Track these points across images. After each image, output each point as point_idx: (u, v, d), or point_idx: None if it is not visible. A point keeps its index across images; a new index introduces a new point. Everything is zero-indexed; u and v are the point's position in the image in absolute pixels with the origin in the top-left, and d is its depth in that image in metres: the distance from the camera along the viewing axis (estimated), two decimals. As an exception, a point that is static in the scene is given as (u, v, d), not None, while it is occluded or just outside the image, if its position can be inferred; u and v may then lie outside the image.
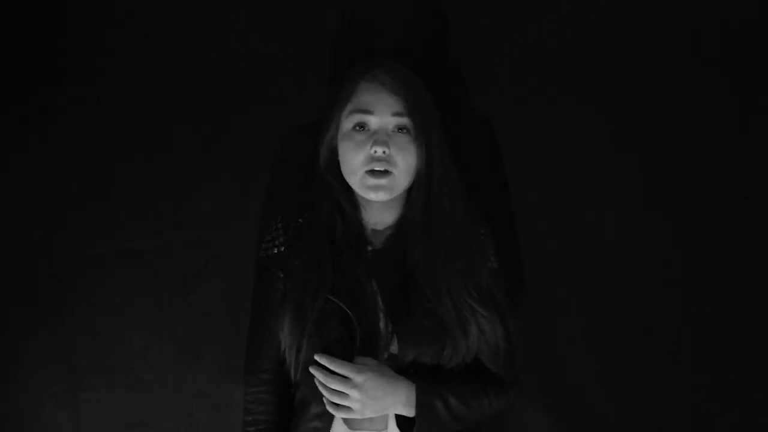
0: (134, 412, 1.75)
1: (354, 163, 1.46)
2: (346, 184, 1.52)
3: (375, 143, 1.44)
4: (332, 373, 1.40)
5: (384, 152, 1.44)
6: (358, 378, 1.39)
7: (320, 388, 1.41)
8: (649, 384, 1.76)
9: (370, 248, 1.53)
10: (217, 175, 1.76)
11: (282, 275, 1.52)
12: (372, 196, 1.47)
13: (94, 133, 1.76)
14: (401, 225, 1.54)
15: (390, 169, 1.45)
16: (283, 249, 1.52)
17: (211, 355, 1.75)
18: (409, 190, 1.53)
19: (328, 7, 1.76)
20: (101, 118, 1.76)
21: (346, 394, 1.39)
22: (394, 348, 1.45)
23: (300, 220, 1.55)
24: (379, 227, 1.55)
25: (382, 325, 1.46)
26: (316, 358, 1.41)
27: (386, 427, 1.46)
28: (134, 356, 1.75)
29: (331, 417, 1.46)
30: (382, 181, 1.45)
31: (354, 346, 1.43)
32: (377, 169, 1.45)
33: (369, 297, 1.46)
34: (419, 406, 1.42)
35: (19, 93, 1.76)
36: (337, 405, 1.41)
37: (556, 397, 1.77)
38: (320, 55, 1.76)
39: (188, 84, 1.76)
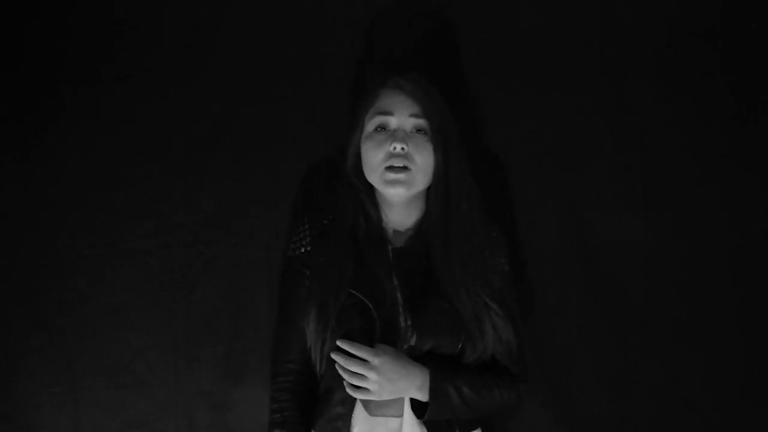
0: (134, 412, 1.75)
1: (375, 160, 1.53)
2: (370, 186, 1.59)
3: (394, 140, 1.52)
4: (353, 357, 1.48)
5: (402, 149, 1.51)
6: (375, 360, 1.47)
7: (340, 371, 1.49)
8: (649, 384, 1.76)
9: (390, 247, 1.59)
10: (217, 175, 1.76)
11: (308, 273, 1.58)
12: (390, 190, 1.53)
13: (94, 133, 1.76)
14: (421, 226, 1.60)
15: (408, 165, 1.52)
16: (309, 249, 1.59)
17: (211, 355, 1.75)
18: (428, 193, 1.59)
19: (328, 8, 1.77)
20: (101, 118, 1.76)
21: (365, 376, 1.46)
22: (413, 341, 1.52)
23: (325, 221, 1.62)
24: (401, 228, 1.61)
25: (401, 319, 1.52)
26: (338, 343, 1.49)
27: (402, 413, 1.51)
28: (134, 356, 1.75)
29: (353, 402, 1.52)
30: (400, 176, 1.52)
31: (374, 338, 1.51)
32: (396, 165, 1.51)
33: (389, 292, 1.53)
34: (433, 390, 1.49)
35: (19, 93, 1.76)
36: (356, 387, 1.48)
37: (556, 397, 1.77)
38: (321, 55, 1.77)
39: (188, 84, 1.76)
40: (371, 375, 1.46)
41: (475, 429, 1.59)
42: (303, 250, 1.60)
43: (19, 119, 1.76)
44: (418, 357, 1.51)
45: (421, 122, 1.54)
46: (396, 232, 1.61)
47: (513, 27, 1.77)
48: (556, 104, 1.76)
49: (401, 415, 1.51)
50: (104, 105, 1.76)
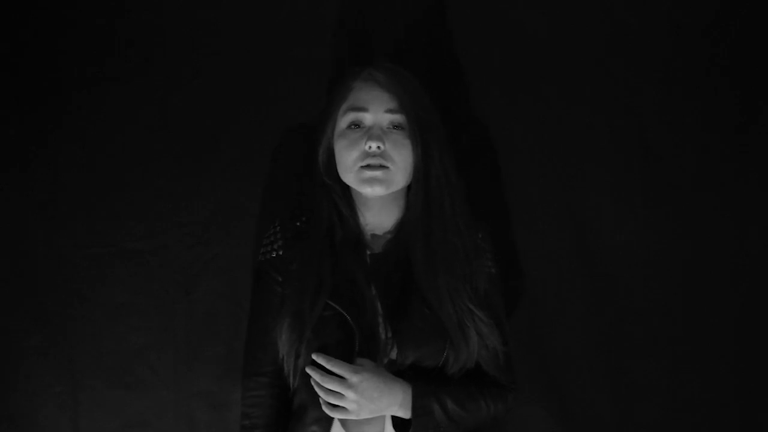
0: (134, 412, 1.75)
1: (349, 160, 1.45)
2: (345, 186, 1.52)
3: (369, 139, 1.44)
4: (329, 373, 1.41)
5: (378, 147, 1.43)
6: (354, 378, 1.38)
7: (316, 388, 1.41)
8: (649, 384, 1.76)
9: (369, 252, 1.52)
10: (216, 176, 1.76)
11: (280, 279, 1.52)
12: (368, 189, 1.45)
13: (95, 134, 1.76)
14: (401, 229, 1.53)
15: (385, 164, 1.44)
16: (281, 253, 1.52)
17: (211, 355, 1.75)
18: (408, 192, 1.53)
19: (328, 7, 1.77)
20: (101, 118, 1.76)
21: (342, 395, 1.39)
22: (393, 354, 1.45)
23: (298, 223, 1.54)
24: (379, 231, 1.54)
25: (381, 330, 1.45)
26: (314, 357, 1.42)
27: (383, 430, 1.45)
28: (134, 356, 1.75)
29: (330, 422, 1.45)
30: (378, 174, 1.43)
31: (353, 351, 1.43)
32: (372, 164, 1.44)
33: (368, 302, 1.45)
34: (415, 407, 1.42)
35: (19, 93, 1.75)
36: (333, 405, 1.41)
37: (556, 397, 1.77)
38: (320, 56, 1.77)
39: (188, 84, 1.76)
40: (349, 394, 1.38)
41: None
42: (274, 255, 1.52)
43: (19, 120, 1.76)
44: (400, 371, 1.43)
45: (398, 118, 1.45)
46: (374, 235, 1.53)
47: (512, 26, 1.77)
48: (556, 104, 1.76)
49: None
50: (104, 105, 1.76)
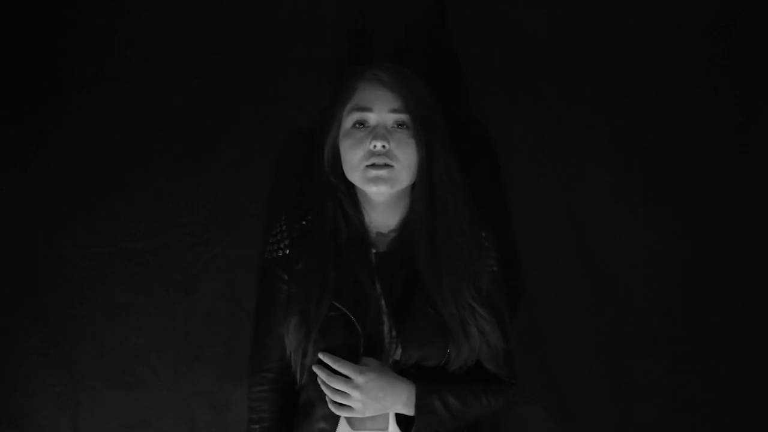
0: (134, 412, 1.75)
1: (354, 159, 1.47)
2: (350, 185, 1.53)
3: (374, 138, 1.45)
4: (335, 372, 1.43)
5: (383, 146, 1.45)
6: (359, 379, 1.42)
7: (323, 387, 1.45)
8: (649, 384, 1.76)
9: (374, 251, 1.54)
10: (216, 176, 1.76)
11: (287, 278, 1.53)
12: (373, 188, 1.47)
13: (95, 134, 1.76)
14: (405, 227, 1.54)
15: (390, 163, 1.46)
16: (288, 252, 1.54)
17: (211, 355, 1.75)
18: (412, 191, 1.54)
19: (328, 7, 1.77)
20: (101, 118, 1.76)
21: (348, 394, 1.42)
22: (397, 354, 1.47)
23: (304, 222, 1.56)
24: (383, 230, 1.56)
25: (385, 329, 1.48)
26: (320, 356, 1.45)
27: (387, 427, 1.48)
28: (134, 356, 1.75)
29: (337, 419, 1.48)
30: (383, 173, 1.45)
31: (358, 351, 1.46)
32: (378, 163, 1.45)
33: (372, 300, 1.48)
34: (418, 405, 1.45)
35: (19, 93, 1.75)
36: (339, 404, 1.44)
37: (556, 397, 1.77)
38: (321, 56, 1.77)
39: (188, 84, 1.76)
40: (355, 393, 1.41)
41: None
42: (281, 253, 1.54)
43: (19, 120, 1.76)
44: (403, 370, 1.47)
45: (403, 117, 1.47)
46: (379, 234, 1.55)
47: (512, 26, 1.77)
48: (556, 104, 1.76)
49: (386, 429, 1.48)
50: (104, 105, 1.76)
